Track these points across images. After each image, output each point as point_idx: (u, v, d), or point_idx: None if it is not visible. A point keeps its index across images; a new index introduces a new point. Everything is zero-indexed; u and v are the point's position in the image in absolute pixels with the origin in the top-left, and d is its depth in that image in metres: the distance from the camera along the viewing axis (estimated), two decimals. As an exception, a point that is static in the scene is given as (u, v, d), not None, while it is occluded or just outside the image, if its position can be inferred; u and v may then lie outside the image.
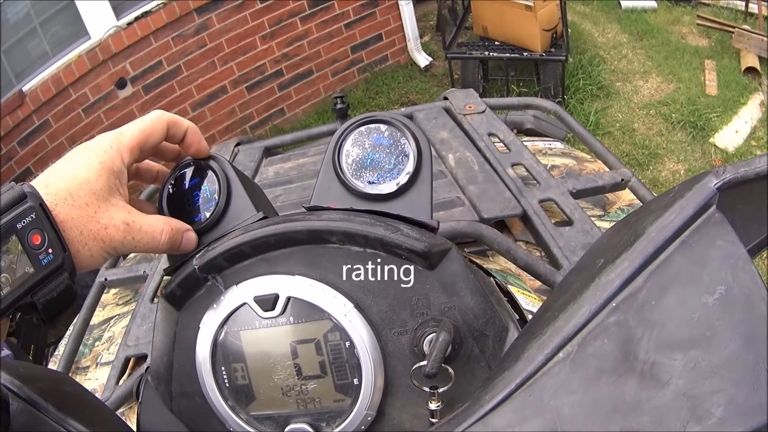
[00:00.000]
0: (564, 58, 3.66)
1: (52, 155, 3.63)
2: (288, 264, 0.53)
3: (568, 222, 0.95)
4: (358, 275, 0.53)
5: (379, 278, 0.52)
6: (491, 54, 3.84)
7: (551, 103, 1.32)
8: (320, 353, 0.53)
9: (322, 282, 0.52)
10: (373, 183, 0.56)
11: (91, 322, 1.18)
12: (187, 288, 0.54)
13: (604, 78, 4.00)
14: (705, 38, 4.38)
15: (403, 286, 0.52)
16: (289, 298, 0.52)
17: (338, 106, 1.52)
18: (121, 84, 3.76)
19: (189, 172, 0.58)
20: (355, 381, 0.52)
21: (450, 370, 0.49)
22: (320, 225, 0.51)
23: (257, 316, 0.53)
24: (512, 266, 0.90)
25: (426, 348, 0.51)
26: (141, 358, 1.00)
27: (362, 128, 0.57)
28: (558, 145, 1.34)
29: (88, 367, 1.09)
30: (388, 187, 0.56)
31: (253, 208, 0.56)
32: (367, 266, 0.52)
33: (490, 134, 1.17)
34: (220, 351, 0.54)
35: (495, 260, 0.95)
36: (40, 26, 3.50)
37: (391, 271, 0.52)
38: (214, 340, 0.54)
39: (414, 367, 0.50)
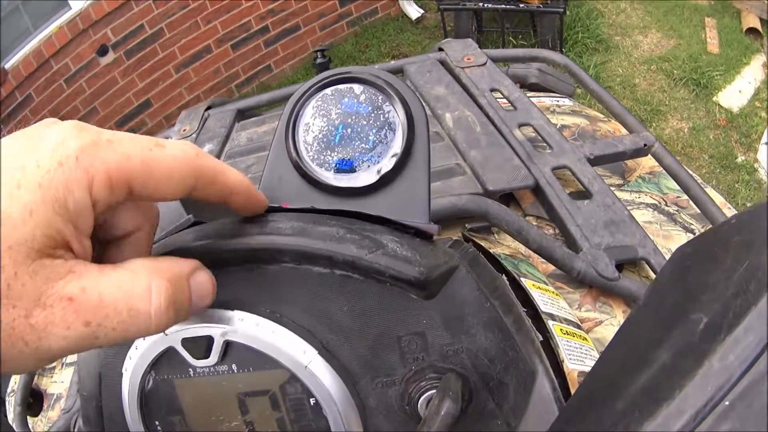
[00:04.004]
0: (562, 10, 3.53)
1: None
2: (226, 291, 0.37)
3: (587, 194, 0.81)
4: (324, 307, 0.38)
5: (354, 310, 0.38)
6: (485, 5, 3.68)
7: (560, 56, 1.17)
8: (277, 409, 0.40)
9: (272, 319, 0.38)
10: (344, 171, 0.41)
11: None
12: None
13: (602, 31, 3.92)
14: (705, -4, 4.26)
15: (388, 321, 0.38)
16: (227, 343, 0.38)
17: (318, 60, 1.35)
18: (102, 51, 3.76)
19: None
20: None
21: None
22: (259, 242, 0.37)
23: (190, 364, 0.39)
24: (522, 246, 0.77)
25: (421, 410, 0.37)
26: None
27: (327, 91, 0.42)
28: (567, 102, 1.19)
29: (54, 367, 0.96)
30: (366, 176, 0.41)
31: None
32: (336, 294, 0.38)
33: (492, 90, 1.02)
34: (152, 401, 0.41)
35: (501, 239, 0.81)
36: (22, 4, 3.51)
37: (370, 299, 0.38)
38: (141, 389, 0.41)
39: None
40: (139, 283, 0.30)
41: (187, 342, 0.38)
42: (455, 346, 0.39)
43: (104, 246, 0.35)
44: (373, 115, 0.41)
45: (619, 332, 0.37)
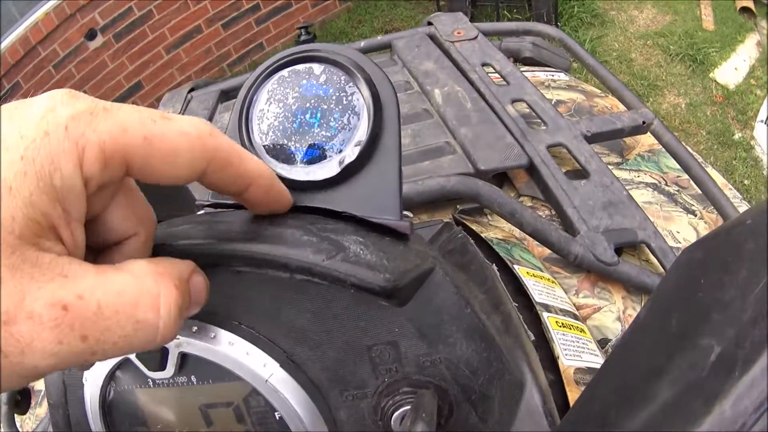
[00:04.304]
0: (557, -18, 3.47)
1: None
2: None
3: (584, 173, 0.77)
4: (287, 314, 0.34)
5: (319, 318, 0.34)
6: (479, -22, 3.63)
7: (555, 29, 1.12)
8: (242, 422, 0.36)
9: (230, 329, 0.34)
10: (301, 162, 0.36)
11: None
12: None
13: (598, 6, 3.89)
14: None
15: (356, 329, 0.34)
16: (183, 354, 0.34)
17: (302, 38, 1.29)
18: (90, 35, 3.69)
19: None
20: None
21: None
22: (207, 246, 0.33)
23: (147, 375, 0.35)
24: (516, 230, 0.72)
25: (395, 427, 0.33)
26: None
27: (284, 72, 0.37)
28: (562, 77, 1.14)
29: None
30: (328, 167, 0.36)
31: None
32: (298, 300, 0.34)
33: (483, 64, 0.97)
34: (115, 411, 0.37)
35: (494, 221, 0.76)
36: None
37: (336, 306, 0.33)
38: (102, 398, 0.37)
39: None
40: (146, 290, 0.25)
41: (141, 354, 0.35)
42: (432, 356, 0.34)
43: (96, 255, 0.30)
44: (334, 98, 0.36)
45: (614, 353, 0.32)
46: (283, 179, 0.35)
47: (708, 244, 0.30)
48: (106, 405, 0.38)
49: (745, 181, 2.75)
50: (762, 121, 3.02)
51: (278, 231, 0.32)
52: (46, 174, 0.23)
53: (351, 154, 0.35)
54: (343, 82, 0.36)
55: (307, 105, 0.36)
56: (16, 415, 0.67)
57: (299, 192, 0.36)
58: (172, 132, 0.27)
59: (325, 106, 0.36)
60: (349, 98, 0.36)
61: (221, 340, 0.34)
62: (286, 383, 0.34)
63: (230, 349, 0.34)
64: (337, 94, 0.36)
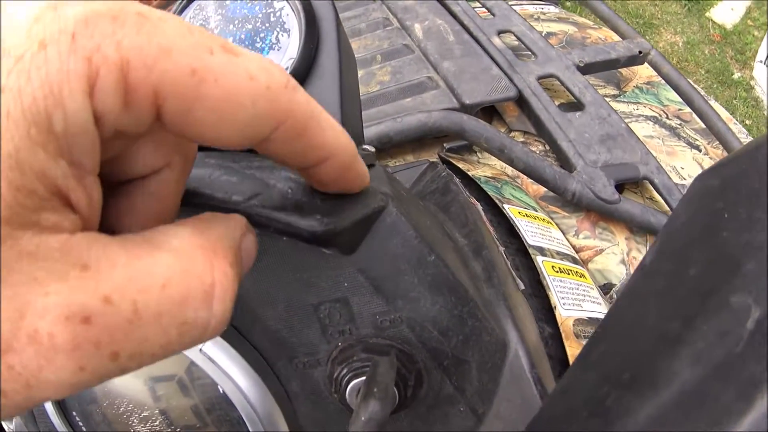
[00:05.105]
0: None
1: None
2: None
3: (578, 105, 0.71)
4: None
5: (254, 273, 0.28)
6: None
7: (543, -43, 1.05)
8: (188, 396, 0.32)
9: None
10: None
11: None
12: None
13: None
14: None
15: (298, 285, 0.28)
16: None
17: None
18: None
19: None
20: None
21: None
22: None
23: None
24: (509, 168, 0.66)
25: (351, 401, 0.28)
26: None
27: None
28: (552, 9, 1.07)
29: None
30: None
31: None
32: None
33: (467, -3, 0.90)
34: None
35: (485, 159, 0.70)
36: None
37: (271, 257, 0.28)
38: None
39: None
40: (196, 278, 0.18)
41: None
42: (391, 315, 0.29)
43: (110, 189, 0.21)
44: (260, 15, 0.32)
45: (613, 311, 0.25)
46: None
47: (727, 170, 0.23)
48: None
49: (747, 121, 2.70)
50: (761, 61, 2.97)
51: (194, 172, 0.26)
52: (41, 113, 0.15)
53: None
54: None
55: (231, 27, 0.32)
56: None
57: None
58: (237, 73, 0.18)
59: (250, 26, 0.32)
60: (278, 14, 0.32)
61: None
62: (222, 352, 0.30)
63: None
64: (265, 10, 0.32)
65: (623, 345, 0.22)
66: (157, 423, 0.34)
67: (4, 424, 0.63)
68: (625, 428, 0.17)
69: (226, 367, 0.30)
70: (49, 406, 0.36)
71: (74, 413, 0.36)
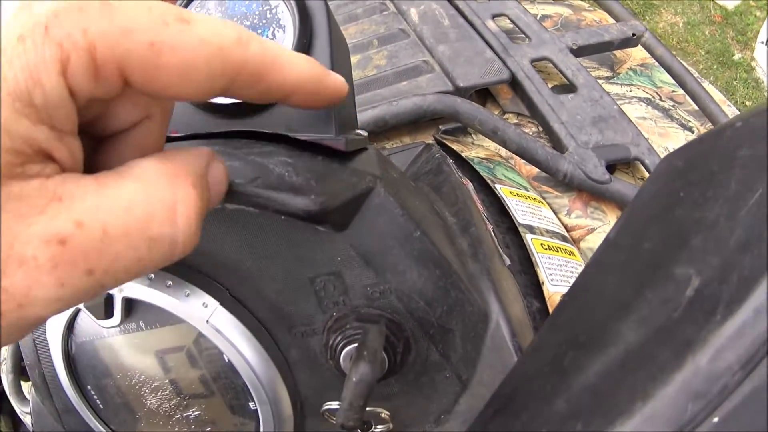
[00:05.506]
0: None
1: None
2: None
3: (571, 88, 0.72)
4: (223, 248, 0.32)
5: (255, 249, 0.31)
6: None
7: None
8: (196, 366, 0.34)
9: (169, 270, 0.32)
10: None
11: None
12: None
13: None
14: None
15: (295, 260, 0.31)
16: (127, 300, 0.33)
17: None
18: None
19: None
20: (251, 405, 0.35)
21: (384, 413, 0.29)
22: None
23: (100, 326, 0.34)
24: (503, 149, 0.68)
25: (345, 366, 0.31)
26: None
27: None
28: (548, -7, 1.08)
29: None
30: None
31: None
32: (232, 231, 0.32)
33: (463, -19, 0.91)
34: (79, 365, 0.38)
35: (479, 141, 0.72)
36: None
37: (271, 235, 0.31)
38: (66, 354, 0.37)
39: (323, 408, 0.33)
40: (158, 199, 0.21)
41: (87, 304, 0.34)
42: (381, 286, 0.32)
43: (97, 144, 0.25)
44: (257, 12, 0.34)
45: (578, 281, 0.27)
46: (209, 104, 0.33)
47: (691, 151, 0.25)
48: (70, 360, 0.37)
49: (747, 102, 2.69)
50: (762, 42, 2.95)
51: None
52: (23, 91, 0.19)
53: None
54: None
55: None
56: (22, 382, 0.66)
57: (229, 117, 0.34)
58: (189, 41, 0.21)
59: (248, 23, 0.34)
60: (273, 11, 0.34)
61: (159, 281, 0.32)
62: (227, 323, 0.32)
63: (168, 290, 0.32)
64: (261, 8, 0.34)
65: (584, 311, 0.24)
66: (168, 392, 0.37)
67: (19, 410, 0.64)
68: (578, 382, 0.18)
69: (232, 338, 0.32)
70: (63, 379, 0.38)
71: (89, 387, 0.38)
